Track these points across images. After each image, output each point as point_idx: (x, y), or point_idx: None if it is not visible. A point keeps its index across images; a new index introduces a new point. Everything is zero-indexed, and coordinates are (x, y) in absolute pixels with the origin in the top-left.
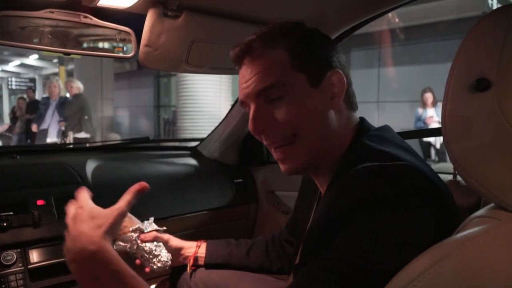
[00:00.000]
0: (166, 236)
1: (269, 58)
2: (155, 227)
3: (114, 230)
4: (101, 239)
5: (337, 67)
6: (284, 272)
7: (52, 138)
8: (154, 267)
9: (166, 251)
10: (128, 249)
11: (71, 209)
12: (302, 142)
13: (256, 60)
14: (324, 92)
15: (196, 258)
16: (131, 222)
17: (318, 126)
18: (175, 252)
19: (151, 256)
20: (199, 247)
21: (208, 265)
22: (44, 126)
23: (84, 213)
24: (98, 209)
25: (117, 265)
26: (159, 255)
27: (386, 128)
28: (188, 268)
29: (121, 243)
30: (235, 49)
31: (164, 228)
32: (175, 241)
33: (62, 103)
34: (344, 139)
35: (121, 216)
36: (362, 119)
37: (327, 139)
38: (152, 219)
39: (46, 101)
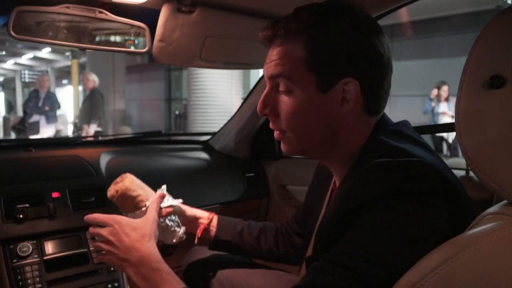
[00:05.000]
0: (181, 208)
1: (286, 49)
2: (171, 200)
3: (154, 235)
4: (147, 247)
5: (359, 73)
6: (289, 261)
7: (45, 128)
8: (170, 242)
9: (181, 225)
10: None
11: (106, 229)
12: (294, 137)
13: (278, 47)
14: (332, 98)
15: (206, 230)
16: (146, 195)
17: (313, 129)
18: (189, 221)
19: (167, 233)
20: (211, 220)
21: (216, 242)
22: (35, 118)
23: (124, 228)
24: (134, 220)
25: (160, 263)
26: (174, 231)
27: (404, 123)
28: (196, 240)
29: (137, 214)
30: (263, 31)
31: (180, 201)
32: (189, 211)
33: (48, 97)
34: (358, 137)
35: (155, 223)
36: (382, 114)
37: (325, 140)
38: (164, 187)
39: (36, 94)
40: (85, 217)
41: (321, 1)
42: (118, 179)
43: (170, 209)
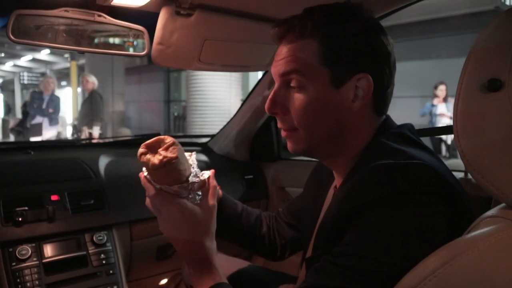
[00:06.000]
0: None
1: (301, 45)
2: (199, 171)
3: (213, 229)
4: (207, 245)
5: (371, 70)
6: (273, 256)
7: (48, 130)
8: None
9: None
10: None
11: (175, 208)
12: (303, 135)
13: (290, 44)
14: (344, 94)
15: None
16: (189, 167)
17: (324, 125)
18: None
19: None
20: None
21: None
22: (38, 120)
23: (189, 221)
24: (199, 213)
25: (210, 258)
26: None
27: (407, 126)
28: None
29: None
30: (275, 28)
31: (209, 173)
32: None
33: (52, 99)
34: (362, 137)
35: (215, 214)
36: (386, 117)
37: (334, 138)
38: (194, 154)
39: (39, 96)
40: (142, 181)
41: (323, 2)
42: (153, 142)
43: (204, 184)
